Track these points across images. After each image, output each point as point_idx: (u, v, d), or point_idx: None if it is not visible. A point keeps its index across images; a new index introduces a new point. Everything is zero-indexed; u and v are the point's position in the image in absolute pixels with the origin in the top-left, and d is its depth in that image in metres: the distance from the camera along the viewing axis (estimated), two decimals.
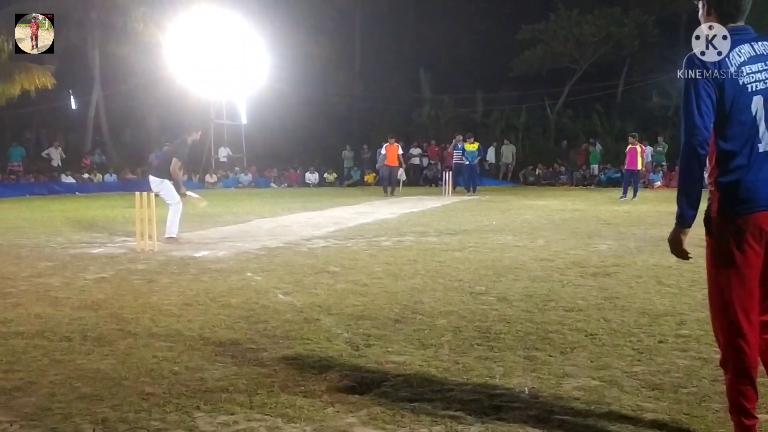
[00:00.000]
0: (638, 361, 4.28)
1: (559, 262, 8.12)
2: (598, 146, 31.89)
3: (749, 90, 2.82)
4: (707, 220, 2.92)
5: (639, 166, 20.24)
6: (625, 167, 20.61)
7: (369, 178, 32.06)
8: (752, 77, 2.82)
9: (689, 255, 2.95)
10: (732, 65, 2.83)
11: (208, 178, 31.18)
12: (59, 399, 3.67)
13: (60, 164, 30.08)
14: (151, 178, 10.71)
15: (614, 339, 4.77)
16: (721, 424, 3.29)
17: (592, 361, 4.27)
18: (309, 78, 33.67)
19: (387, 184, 23.05)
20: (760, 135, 2.81)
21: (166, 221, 10.33)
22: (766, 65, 2.85)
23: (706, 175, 2.90)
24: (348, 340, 4.79)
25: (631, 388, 3.78)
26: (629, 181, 20.90)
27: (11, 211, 17.39)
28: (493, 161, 32.78)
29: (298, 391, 3.76)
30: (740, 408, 2.92)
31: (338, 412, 3.48)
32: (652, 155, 29.60)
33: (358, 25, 39.48)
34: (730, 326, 2.87)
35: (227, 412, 3.47)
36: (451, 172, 24.54)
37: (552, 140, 35.05)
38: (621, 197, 19.87)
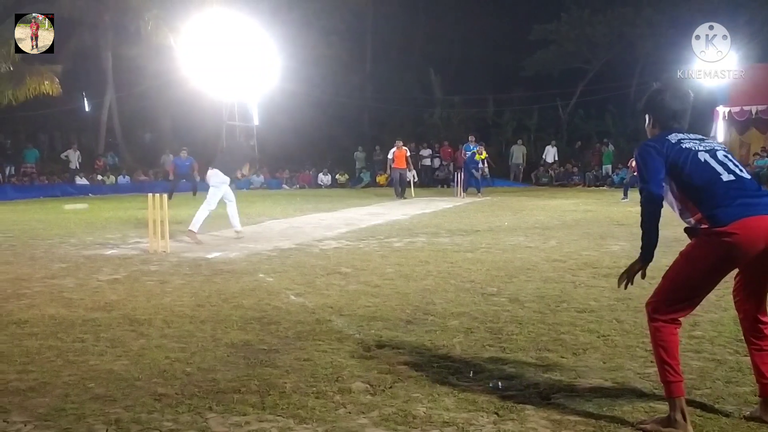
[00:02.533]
0: (651, 362, 4.24)
1: (572, 263, 8.09)
2: (611, 147, 31.77)
3: (694, 149, 3.38)
4: (694, 230, 3.41)
5: None
6: (634, 172, 20.45)
7: (381, 179, 32.06)
8: (692, 144, 3.41)
9: (629, 285, 3.63)
10: (673, 140, 3.42)
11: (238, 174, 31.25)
12: (73, 399, 3.69)
13: (78, 166, 30.26)
14: (218, 171, 10.93)
15: (627, 340, 4.75)
16: (735, 426, 3.27)
17: (604, 363, 4.25)
18: (321, 79, 33.71)
19: (398, 187, 22.95)
20: (719, 171, 3.31)
21: (195, 214, 10.66)
22: (700, 139, 3.46)
23: (691, 220, 3.45)
24: (360, 341, 4.79)
25: (644, 389, 3.77)
26: (633, 185, 20.78)
27: (25, 212, 17.50)
28: (518, 161, 32.66)
29: (310, 392, 3.76)
30: (665, 373, 3.30)
31: (350, 413, 3.48)
32: None
33: (369, 27, 39.48)
34: (683, 304, 3.48)
35: (239, 413, 3.48)
36: (462, 173, 24.52)
37: (564, 141, 34.94)
38: (623, 198, 19.74)
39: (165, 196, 9.89)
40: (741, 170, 3.39)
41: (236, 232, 11.06)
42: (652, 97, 3.64)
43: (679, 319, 3.43)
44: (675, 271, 3.50)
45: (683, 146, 3.39)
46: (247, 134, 11.89)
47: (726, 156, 3.42)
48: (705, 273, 3.38)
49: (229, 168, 11.02)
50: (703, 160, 3.36)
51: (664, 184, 3.43)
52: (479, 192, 22.77)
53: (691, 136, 3.50)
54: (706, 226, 3.28)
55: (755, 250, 3.21)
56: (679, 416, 3.22)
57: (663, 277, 3.54)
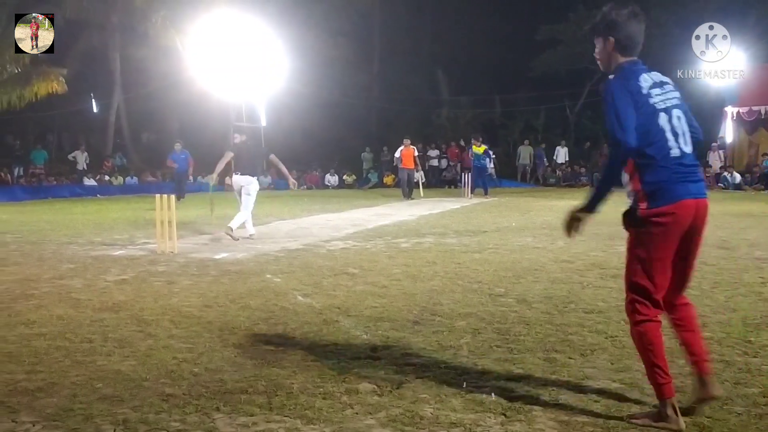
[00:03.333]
0: None
1: (579, 264, 8.07)
2: None
3: (657, 108, 3.38)
4: (634, 216, 3.41)
5: None
6: None
7: (388, 180, 32.06)
8: (657, 98, 3.40)
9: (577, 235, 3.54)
10: (644, 88, 3.39)
11: (227, 180, 31.29)
12: (81, 400, 3.70)
13: (85, 167, 30.37)
14: (246, 177, 11.04)
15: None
16: (744, 428, 3.26)
17: (612, 364, 4.24)
18: (328, 80, 33.73)
19: (405, 188, 22.87)
20: (670, 144, 3.36)
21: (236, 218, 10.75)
22: (662, 90, 3.44)
23: (631, 183, 3.46)
24: (367, 341, 4.79)
25: (651, 390, 3.74)
26: None
27: (34, 213, 17.57)
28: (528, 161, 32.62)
29: (317, 393, 3.76)
30: (654, 375, 3.38)
31: (357, 413, 3.48)
32: None
33: (376, 27, 39.50)
34: (647, 294, 3.38)
35: (247, 414, 3.48)
36: (470, 174, 24.50)
37: (572, 141, 34.88)
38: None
39: (173, 196, 9.89)
40: (686, 141, 3.44)
41: (228, 228, 10.62)
42: (610, 17, 3.59)
43: (659, 317, 3.44)
44: (631, 269, 3.45)
45: (650, 101, 3.38)
46: (251, 134, 11.75)
47: (679, 118, 3.44)
48: (656, 249, 3.37)
49: (256, 168, 11.21)
50: (660, 125, 3.38)
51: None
52: (486, 193, 22.72)
53: (654, 77, 3.47)
54: (644, 208, 3.35)
55: (684, 230, 3.37)
56: (670, 411, 3.28)
57: (624, 280, 3.50)
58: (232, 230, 10.48)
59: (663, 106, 3.41)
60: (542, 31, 35.07)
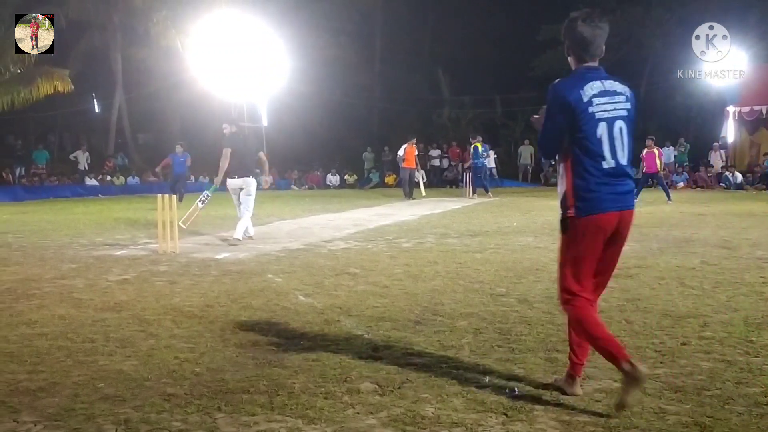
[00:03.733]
0: (661, 363, 4.25)
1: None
2: None
3: (596, 117, 3.52)
4: (564, 221, 3.64)
5: (658, 169, 19.90)
6: (643, 170, 20.32)
7: (389, 179, 32.05)
8: (599, 108, 3.53)
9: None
10: (585, 97, 3.52)
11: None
12: (82, 400, 3.71)
13: (86, 167, 30.39)
14: (244, 179, 10.67)
15: (636, 341, 4.73)
16: (746, 427, 3.26)
17: None
18: (329, 80, 33.74)
19: (407, 188, 22.81)
20: (605, 153, 3.52)
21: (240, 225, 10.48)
22: (611, 99, 3.57)
23: (562, 184, 3.67)
24: (368, 341, 4.80)
25: (653, 390, 3.75)
26: (645, 184, 20.71)
27: (35, 213, 17.58)
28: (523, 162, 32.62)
29: (319, 393, 3.76)
30: (609, 348, 3.52)
31: (358, 413, 3.48)
32: (674, 156, 29.34)
33: (378, 27, 39.50)
34: (576, 281, 3.64)
35: (248, 413, 3.49)
36: (471, 174, 24.48)
37: None
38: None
39: (174, 197, 9.91)
40: (623, 153, 3.60)
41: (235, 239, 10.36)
42: (566, 24, 3.72)
43: (587, 296, 3.66)
44: (560, 261, 3.74)
45: (590, 110, 3.51)
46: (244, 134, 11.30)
47: (621, 130, 3.58)
48: (581, 252, 3.62)
49: (251, 168, 10.85)
50: (598, 136, 3.53)
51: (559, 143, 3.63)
52: (488, 192, 22.72)
53: (607, 85, 3.59)
54: (571, 214, 3.58)
55: (606, 237, 3.60)
56: (628, 367, 3.36)
57: (558, 271, 3.78)
58: (239, 240, 10.22)
59: (605, 116, 3.53)
60: (543, 31, 35.03)
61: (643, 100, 36.01)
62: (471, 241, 10.43)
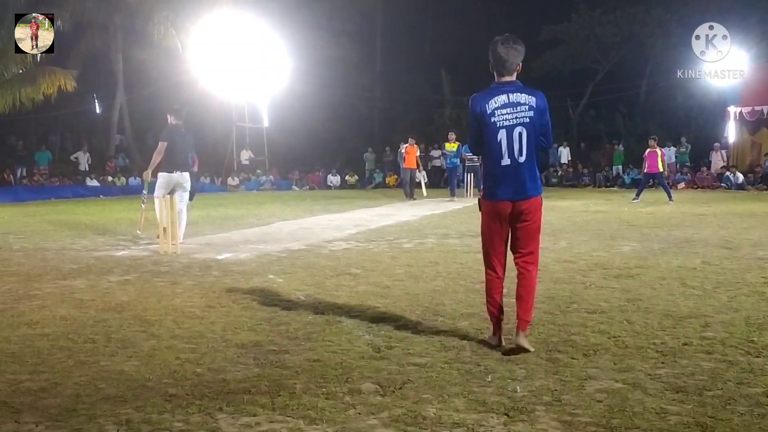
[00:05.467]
0: (662, 363, 4.24)
1: (582, 264, 8.07)
2: (621, 147, 31.65)
3: (498, 126, 4.44)
4: (479, 202, 4.72)
5: (660, 169, 19.86)
6: (645, 170, 20.31)
7: (390, 180, 32.06)
8: (501, 117, 4.43)
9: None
10: (489, 109, 4.44)
11: (230, 180, 31.36)
12: (84, 400, 3.71)
13: (87, 168, 30.41)
14: (184, 174, 10.44)
15: (637, 341, 4.73)
16: (747, 428, 3.26)
17: (615, 364, 4.24)
18: (330, 80, 33.75)
19: (407, 188, 22.77)
20: (503, 154, 4.46)
21: (183, 224, 10.32)
22: (512, 110, 4.43)
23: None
24: (369, 342, 4.80)
25: (654, 390, 3.75)
26: (646, 184, 20.70)
27: (36, 214, 17.59)
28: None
29: (320, 393, 3.77)
30: (489, 312, 4.77)
31: (360, 413, 3.49)
32: (675, 156, 29.34)
33: (378, 27, 39.54)
34: (487, 259, 4.74)
35: (249, 414, 3.49)
36: (471, 174, 24.46)
37: (575, 141, 34.88)
38: (633, 199, 19.59)
39: (175, 197, 9.88)
40: (521, 153, 4.45)
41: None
42: (490, 47, 4.51)
43: (496, 269, 4.72)
44: (481, 235, 4.77)
45: (492, 120, 4.43)
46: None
47: (521, 134, 4.44)
48: (486, 230, 4.69)
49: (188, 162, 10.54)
50: (498, 139, 4.45)
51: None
52: (453, 195, 22.13)
53: (512, 98, 4.44)
54: (481, 198, 4.68)
55: (505, 218, 4.57)
56: (494, 336, 4.71)
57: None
58: (182, 240, 9.98)
59: (505, 124, 4.42)
60: (545, 31, 35.08)
61: (644, 100, 36.08)
62: (472, 241, 10.41)
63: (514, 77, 4.53)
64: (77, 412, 3.53)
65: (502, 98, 4.42)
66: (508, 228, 4.61)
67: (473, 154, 4.83)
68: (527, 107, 4.44)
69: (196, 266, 8.30)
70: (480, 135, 4.49)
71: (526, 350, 4.42)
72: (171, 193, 10.14)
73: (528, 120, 4.43)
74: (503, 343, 4.64)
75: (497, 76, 4.53)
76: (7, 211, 18.37)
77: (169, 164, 10.31)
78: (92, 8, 29.61)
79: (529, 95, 4.47)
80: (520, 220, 4.55)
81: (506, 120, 4.40)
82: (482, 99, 4.46)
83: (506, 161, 4.43)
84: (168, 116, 10.87)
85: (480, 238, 4.76)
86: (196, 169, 22.60)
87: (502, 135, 4.41)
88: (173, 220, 9.55)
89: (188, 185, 10.47)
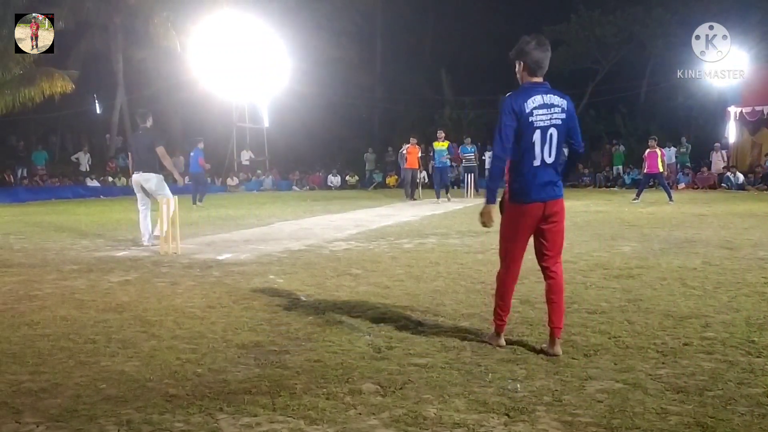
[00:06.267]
0: (662, 363, 4.24)
1: (582, 264, 8.07)
2: (622, 147, 31.64)
3: (534, 126, 4.41)
4: (502, 204, 4.63)
5: (660, 169, 19.83)
6: (645, 171, 20.29)
7: (390, 180, 32.06)
8: (537, 118, 4.41)
9: (489, 225, 4.67)
10: (528, 108, 4.40)
11: (230, 181, 31.37)
12: (84, 400, 3.71)
13: (88, 168, 30.41)
14: (145, 175, 10.34)
15: (638, 341, 4.73)
16: (748, 428, 3.25)
17: (615, 364, 4.24)
18: (331, 81, 33.77)
19: (408, 188, 22.74)
20: (536, 155, 4.43)
21: (147, 224, 10.35)
22: (547, 111, 4.43)
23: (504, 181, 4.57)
24: (370, 342, 4.80)
25: (655, 391, 3.75)
26: (646, 185, 20.69)
27: (37, 214, 17.60)
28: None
29: (321, 393, 3.77)
30: (496, 313, 4.75)
31: (360, 414, 3.49)
32: (676, 156, 29.33)
33: (379, 28, 39.54)
34: (507, 261, 4.76)
35: (250, 414, 3.49)
36: (472, 175, 24.47)
37: None
38: (634, 200, 19.59)
39: (176, 198, 9.88)
40: (551, 154, 4.47)
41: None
42: (521, 46, 4.52)
43: (515, 272, 4.77)
44: (499, 236, 4.75)
45: (530, 120, 4.39)
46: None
47: (552, 135, 4.45)
48: (512, 233, 4.63)
49: (151, 162, 10.41)
50: (533, 140, 4.42)
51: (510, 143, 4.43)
52: (439, 196, 21.55)
53: (546, 99, 4.43)
54: (507, 200, 4.58)
55: (535, 221, 4.52)
56: (497, 336, 4.72)
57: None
58: (146, 243, 10.22)
59: (541, 125, 4.41)
60: (545, 31, 35.02)
61: (644, 100, 36.05)
62: (472, 241, 10.42)
63: (542, 79, 4.55)
64: (78, 413, 3.53)
65: (538, 99, 4.42)
66: (533, 231, 4.58)
67: (501, 155, 4.46)
68: (560, 109, 4.46)
69: (197, 267, 8.31)
70: (515, 135, 4.40)
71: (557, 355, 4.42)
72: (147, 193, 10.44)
73: (560, 122, 4.45)
74: (501, 342, 4.67)
75: (529, 75, 4.51)
76: (7, 212, 18.38)
77: (133, 165, 10.63)
78: (92, 9, 29.64)
79: (560, 97, 4.49)
80: (549, 222, 4.53)
81: (542, 121, 4.41)
82: (521, 98, 4.42)
83: (538, 162, 4.43)
84: (147, 120, 10.83)
85: (499, 240, 4.75)
86: (209, 166, 22.38)
87: (537, 135, 4.41)
88: (174, 221, 9.55)
89: (149, 185, 10.38)
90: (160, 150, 10.32)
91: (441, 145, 21.95)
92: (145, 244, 10.31)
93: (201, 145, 21.06)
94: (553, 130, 4.44)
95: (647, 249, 9.27)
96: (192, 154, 21.05)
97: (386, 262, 8.45)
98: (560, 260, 4.68)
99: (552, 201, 4.49)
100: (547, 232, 4.56)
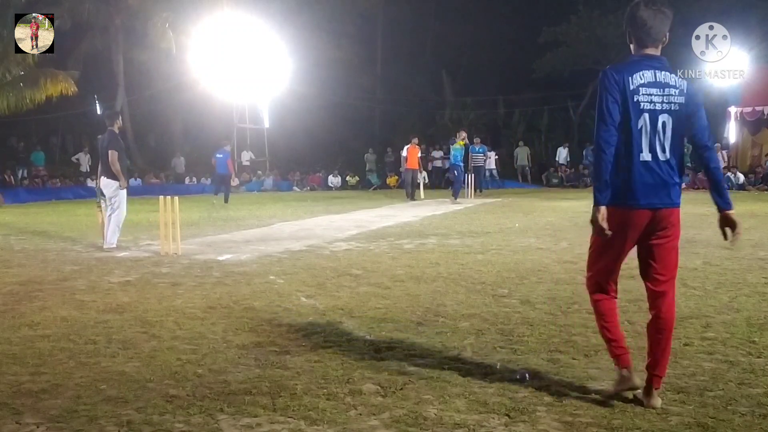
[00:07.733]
0: None
1: (583, 265, 7.99)
2: None
3: (641, 107, 3.43)
4: (595, 209, 3.48)
5: None
6: None
7: (391, 181, 32.05)
8: (646, 98, 3.43)
9: (607, 231, 3.45)
10: (633, 84, 3.42)
11: (230, 181, 31.33)
12: (85, 401, 3.71)
13: (88, 169, 30.42)
14: (105, 180, 10.46)
15: (639, 342, 4.71)
16: (748, 428, 3.25)
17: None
18: (331, 81, 33.77)
19: (409, 189, 22.74)
20: (642, 146, 3.44)
21: (109, 230, 10.32)
22: (660, 91, 3.45)
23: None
24: (370, 342, 4.79)
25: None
26: None
27: (37, 215, 17.60)
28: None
29: (321, 394, 3.77)
30: (609, 347, 3.73)
31: (361, 414, 3.49)
32: None
33: (379, 29, 39.53)
34: (597, 280, 3.75)
35: (250, 415, 3.49)
36: (473, 175, 24.45)
37: (576, 142, 34.87)
38: None
39: (176, 198, 9.85)
40: (664, 148, 3.49)
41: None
42: (629, 11, 3.58)
43: (611, 291, 3.75)
44: (590, 245, 3.73)
45: (635, 99, 3.43)
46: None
47: (664, 124, 3.48)
48: (605, 245, 3.59)
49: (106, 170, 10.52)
50: (639, 126, 3.44)
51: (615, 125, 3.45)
52: (453, 197, 21.36)
53: (660, 76, 3.48)
54: (602, 201, 3.46)
55: (638, 233, 3.54)
56: (626, 372, 3.58)
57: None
58: (107, 246, 10.18)
59: (649, 107, 3.44)
60: (545, 32, 35.07)
61: None
62: (473, 242, 10.42)
63: (659, 51, 3.57)
64: (78, 413, 3.53)
65: (648, 74, 3.46)
66: (634, 244, 3.61)
67: (607, 139, 3.32)
68: (678, 91, 3.49)
69: (197, 267, 8.31)
70: (617, 115, 3.43)
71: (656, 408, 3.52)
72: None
73: (677, 107, 3.48)
74: (636, 382, 3.60)
75: (637, 47, 3.56)
76: (8, 212, 18.37)
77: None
78: (93, 9, 29.64)
79: (679, 78, 3.54)
80: (657, 235, 3.56)
81: (651, 102, 3.44)
82: (624, 70, 3.46)
83: (646, 156, 3.45)
84: (114, 122, 11.05)
85: (589, 253, 3.81)
86: (236, 168, 22.29)
87: (644, 121, 3.44)
88: (174, 222, 9.55)
89: (107, 191, 10.50)
90: (112, 155, 10.37)
91: (461, 144, 21.84)
92: (105, 248, 10.22)
93: (228, 147, 21.23)
94: (666, 117, 3.46)
95: None
96: (220, 155, 21.03)
97: (387, 263, 8.45)
98: (674, 286, 3.77)
99: (665, 209, 3.52)
100: (656, 249, 3.58)
